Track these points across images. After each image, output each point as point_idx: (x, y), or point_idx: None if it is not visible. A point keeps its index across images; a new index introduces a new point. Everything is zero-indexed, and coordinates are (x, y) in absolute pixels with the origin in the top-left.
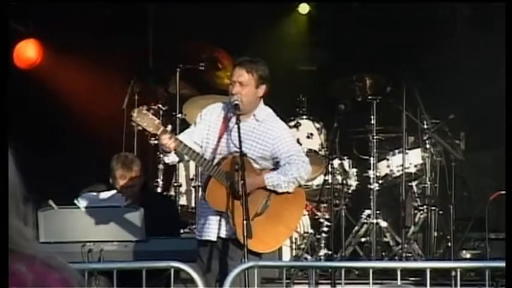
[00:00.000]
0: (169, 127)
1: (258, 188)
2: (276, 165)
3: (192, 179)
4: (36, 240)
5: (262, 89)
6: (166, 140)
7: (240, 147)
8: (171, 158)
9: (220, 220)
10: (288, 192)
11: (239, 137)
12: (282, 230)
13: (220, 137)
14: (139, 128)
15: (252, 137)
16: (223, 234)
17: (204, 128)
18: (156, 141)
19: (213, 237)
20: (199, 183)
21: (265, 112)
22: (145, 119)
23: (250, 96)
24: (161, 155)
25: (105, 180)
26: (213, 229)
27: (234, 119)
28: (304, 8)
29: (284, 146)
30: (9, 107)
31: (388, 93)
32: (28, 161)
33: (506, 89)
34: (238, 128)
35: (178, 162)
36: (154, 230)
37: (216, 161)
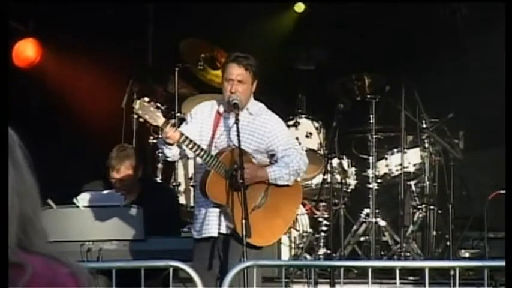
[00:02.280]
0: (172, 121)
1: (259, 181)
2: (271, 159)
3: (191, 178)
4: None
5: (255, 84)
6: (171, 132)
7: (239, 146)
8: (173, 151)
9: (220, 215)
10: (286, 185)
11: (238, 136)
12: (279, 223)
13: (214, 134)
14: (141, 120)
15: (246, 130)
16: (223, 229)
17: (196, 127)
18: (155, 140)
19: (214, 233)
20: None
21: (257, 106)
22: (147, 111)
23: (247, 93)
24: (163, 149)
25: (103, 177)
26: (214, 225)
27: (228, 115)
28: (299, 7)
29: (280, 139)
30: (8, 106)
31: (387, 93)
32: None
33: (506, 89)
34: (237, 127)
35: (180, 158)
36: (154, 225)
37: (212, 155)
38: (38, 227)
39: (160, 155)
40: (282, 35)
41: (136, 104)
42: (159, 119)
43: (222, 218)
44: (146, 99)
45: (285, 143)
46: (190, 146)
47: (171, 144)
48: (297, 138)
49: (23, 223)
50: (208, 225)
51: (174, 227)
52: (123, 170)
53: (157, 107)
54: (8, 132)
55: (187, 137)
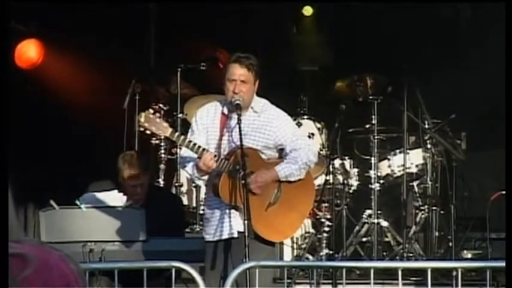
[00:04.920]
0: (177, 134)
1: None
2: (280, 153)
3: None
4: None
5: (257, 83)
6: (209, 161)
7: (242, 148)
8: (205, 177)
9: (235, 216)
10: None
11: (240, 137)
12: (296, 217)
13: (221, 135)
14: (148, 132)
15: (253, 128)
16: (240, 229)
17: (203, 133)
18: (157, 141)
19: (231, 235)
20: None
21: (261, 103)
22: (153, 123)
23: (250, 92)
24: (194, 179)
25: (112, 178)
26: (230, 226)
27: (232, 116)
28: (308, 10)
29: (287, 132)
30: (10, 107)
31: (389, 93)
32: (29, 162)
33: (506, 89)
34: (239, 128)
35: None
36: (160, 229)
37: (221, 157)
38: (19, 235)
39: (163, 155)
40: (286, 36)
41: (142, 117)
42: (166, 130)
43: (238, 219)
44: (151, 111)
45: (292, 135)
46: (221, 164)
47: (206, 173)
48: None
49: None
50: (223, 227)
51: (181, 230)
52: (134, 176)
53: (161, 116)
54: (8, 133)
55: (219, 158)
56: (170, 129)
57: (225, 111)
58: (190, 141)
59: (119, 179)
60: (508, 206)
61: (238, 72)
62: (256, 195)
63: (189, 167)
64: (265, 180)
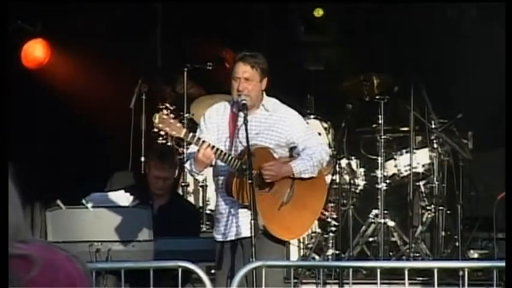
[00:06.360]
0: (191, 134)
1: (285, 177)
2: (291, 152)
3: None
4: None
5: (265, 81)
6: (207, 150)
7: (248, 147)
8: (203, 171)
9: (244, 216)
10: (310, 177)
11: (247, 136)
12: (308, 216)
13: (232, 135)
14: (162, 132)
15: (265, 126)
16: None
17: (213, 131)
18: (164, 141)
19: (242, 234)
20: (207, 183)
21: (271, 102)
22: (167, 123)
23: (256, 90)
24: (193, 174)
25: (123, 178)
26: (241, 226)
27: (242, 115)
28: (319, 12)
29: (300, 131)
30: (16, 107)
31: (395, 93)
32: (36, 162)
33: (506, 89)
34: (246, 129)
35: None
36: (180, 229)
37: (221, 149)
38: (26, 235)
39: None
40: (293, 36)
41: (156, 118)
42: (180, 130)
43: (249, 219)
44: (165, 111)
45: (304, 134)
46: (221, 156)
47: (204, 166)
48: None
49: (15, 231)
50: (235, 227)
51: (197, 234)
52: (160, 167)
53: (179, 119)
54: (8, 133)
55: (217, 149)
56: (184, 130)
57: (234, 110)
58: (204, 142)
59: (146, 169)
60: (508, 206)
61: (242, 69)
62: (268, 191)
63: (188, 162)
64: (280, 170)
